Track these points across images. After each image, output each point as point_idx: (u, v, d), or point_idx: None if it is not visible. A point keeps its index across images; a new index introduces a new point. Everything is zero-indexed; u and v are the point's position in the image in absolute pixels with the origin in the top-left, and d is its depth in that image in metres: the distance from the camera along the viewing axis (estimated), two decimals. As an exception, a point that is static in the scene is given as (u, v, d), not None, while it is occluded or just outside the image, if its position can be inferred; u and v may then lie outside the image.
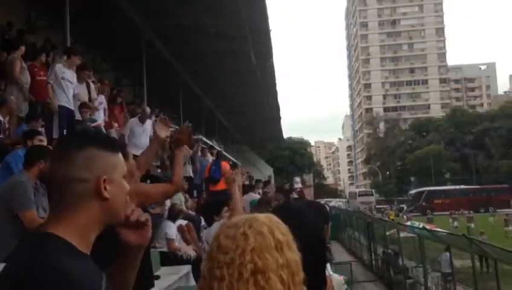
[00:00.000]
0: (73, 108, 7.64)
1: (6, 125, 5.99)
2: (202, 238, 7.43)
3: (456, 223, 32.52)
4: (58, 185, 1.21)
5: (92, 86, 8.72)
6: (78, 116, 7.67)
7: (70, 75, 7.70)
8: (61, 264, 1.07)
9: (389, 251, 15.68)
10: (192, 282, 6.46)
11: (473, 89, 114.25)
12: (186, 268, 6.43)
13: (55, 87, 7.40)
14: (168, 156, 10.27)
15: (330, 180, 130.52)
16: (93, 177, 1.21)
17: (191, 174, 11.16)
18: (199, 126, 20.87)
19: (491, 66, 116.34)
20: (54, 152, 1.29)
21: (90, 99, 8.32)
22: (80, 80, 8.06)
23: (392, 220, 30.54)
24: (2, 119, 5.93)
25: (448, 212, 40.29)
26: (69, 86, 7.59)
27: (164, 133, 3.50)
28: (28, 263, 1.08)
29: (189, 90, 20.38)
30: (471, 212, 34.68)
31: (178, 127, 3.35)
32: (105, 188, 1.21)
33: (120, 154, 1.30)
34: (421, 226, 17.64)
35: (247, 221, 1.10)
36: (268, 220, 1.12)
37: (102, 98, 9.13)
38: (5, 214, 3.91)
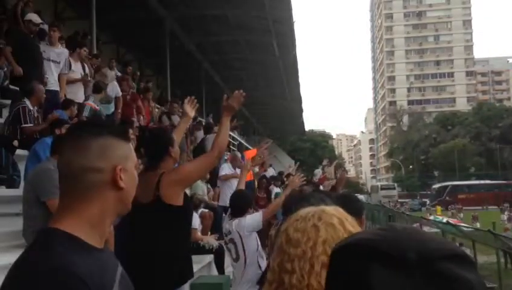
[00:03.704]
0: (56, 88, 7.31)
1: (35, 114, 6.10)
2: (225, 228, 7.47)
3: (505, 217, 29.21)
4: (71, 175, 1.15)
5: (86, 67, 8.38)
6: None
7: (56, 54, 7.37)
8: (63, 263, 1.02)
9: None
10: (215, 271, 6.52)
11: (500, 83, 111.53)
12: (209, 258, 6.49)
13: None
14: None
15: (352, 173, 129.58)
16: (109, 167, 1.16)
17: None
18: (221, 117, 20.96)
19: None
20: (67, 141, 1.22)
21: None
22: (73, 58, 7.78)
23: (439, 216, 29.48)
24: (31, 108, 6.04)
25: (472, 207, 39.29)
26: (51, 65, 7.26)
27: (192, 112, 3.64)
28: (31, 263, 1.05)
29: (211, 81, 20.44)
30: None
31: (233, 93, 3.39)
32: (120, 178, 1.17)
33: (131, 144, 1.25)
34: (444, 220, 17.41)
35: (316, 213, 1.09)
36: (337, 212, 1.10)
37: (115, 85, 8.91)
38: (35, 200, 4.00)
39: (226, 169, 8.71)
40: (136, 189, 1.25)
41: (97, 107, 7.41)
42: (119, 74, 10.47)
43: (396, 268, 0.56)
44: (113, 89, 8.81)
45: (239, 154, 8.76)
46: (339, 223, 1.07)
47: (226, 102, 3.31)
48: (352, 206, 2.34)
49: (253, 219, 4.03)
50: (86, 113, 7.04)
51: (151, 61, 18.00)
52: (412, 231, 0.62)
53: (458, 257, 0.58)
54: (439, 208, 39.41)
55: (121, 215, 1.27)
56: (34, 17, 7.42)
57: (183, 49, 16.37)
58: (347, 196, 2.79)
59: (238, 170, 8.01)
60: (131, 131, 6.84)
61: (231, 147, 14.33)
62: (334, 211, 1.11)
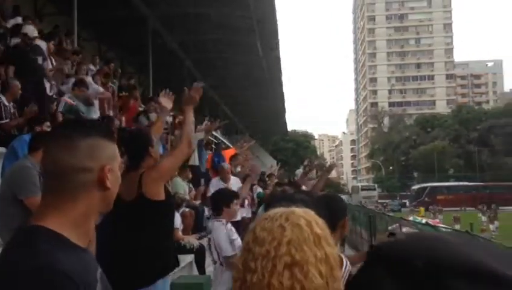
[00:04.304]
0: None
1: (11, 110, 6.00)
2: (208, 227, 7.46)
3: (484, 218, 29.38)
4: (58, 174, 1.15)
5: (54, 61, 8.23)
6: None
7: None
8: (50, 261, 1.01)
9: None
10: (195, 271, 6.49)
11: (479, 86, 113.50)
12: (190, 257, 6.46)
13: None
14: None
15: (333, 173, 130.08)
16: (97, 167, 1.17)
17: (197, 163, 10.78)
18: (202, 116, 20.90)
19: (498, 63, 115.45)
20: (54, 140, 1.21)
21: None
22: None
23: (422, 217, 29.66)
24: (7, 104, 5.94)
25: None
26: None
27: (169, 104, 3.69)
28: (16, 261, 1.03)
29: (194, 79, 20.36)
30: (498, 209, 31.42)
31: (193, 86, 3.41)
32: (107, 178, 1.18)
33: (115, 144, 1.26)
34: (423, 221, 17.62)
35: (284, 214, 1.08)
36: (306, 214, 1.10)
37: (95, 86, 8.76)
38: (11, 199, 3.92)
39: (214, 185, 7.97)
40: (119, 187, 1.26)
41: (73, 103, 7.29)
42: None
43: (401, 275, 0.51)
44: (93, 89, 8.66)
45: (226, 166, 8.58)
46: (306, 224, 1.06)
47: (188, 94, 3.36)
48: (337, 207, 2.34)
49: (230, 248, 3.83)
50: (61, 109, 6.92)
51: (134, 59, 17.83)
52: (431, 237, 0.56)
53: (479, 274, 0.48)
54: (422, 209, 39.70)
55: (103, 214, 1.26)
56: (30, 30, 7.27)
57: (166, 48, 16.27)
58: (331, 196, 2.79)
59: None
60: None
61: (212, 145, 14.27)
62: (303, 212, 1.10)
